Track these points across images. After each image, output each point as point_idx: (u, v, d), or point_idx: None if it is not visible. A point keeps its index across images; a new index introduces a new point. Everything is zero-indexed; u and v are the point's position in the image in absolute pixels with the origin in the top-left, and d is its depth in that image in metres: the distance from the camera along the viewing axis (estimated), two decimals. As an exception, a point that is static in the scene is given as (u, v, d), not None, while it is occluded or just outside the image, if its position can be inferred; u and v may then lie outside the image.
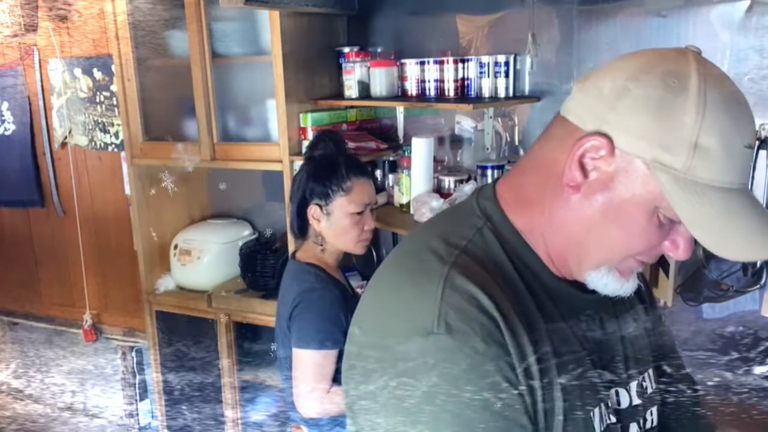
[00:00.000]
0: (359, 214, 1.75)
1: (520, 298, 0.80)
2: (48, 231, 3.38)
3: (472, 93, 2.16)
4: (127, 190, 2.84)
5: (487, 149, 2.24)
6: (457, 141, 2.37)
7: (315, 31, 2.38)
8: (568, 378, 0.79)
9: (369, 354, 0.79)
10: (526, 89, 2.12)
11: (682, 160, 0.72)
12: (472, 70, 2.15)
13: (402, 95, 2.31)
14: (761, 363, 1.64)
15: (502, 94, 2.10)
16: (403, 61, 2.27)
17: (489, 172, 2.12)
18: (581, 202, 0.79)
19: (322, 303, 1.65)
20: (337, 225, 1.74)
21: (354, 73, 2.34)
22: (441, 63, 2.18)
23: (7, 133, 3.30)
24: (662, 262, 1.77)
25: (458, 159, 2.38)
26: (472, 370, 0.72)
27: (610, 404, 0.85)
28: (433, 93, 2.21)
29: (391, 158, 2.43)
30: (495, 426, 0.72)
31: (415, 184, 2.21)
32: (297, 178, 1.82)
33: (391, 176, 2.42)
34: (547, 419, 0.77)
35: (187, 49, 2.45)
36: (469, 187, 2.14)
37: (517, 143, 2.17)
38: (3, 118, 3.29)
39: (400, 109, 2.45)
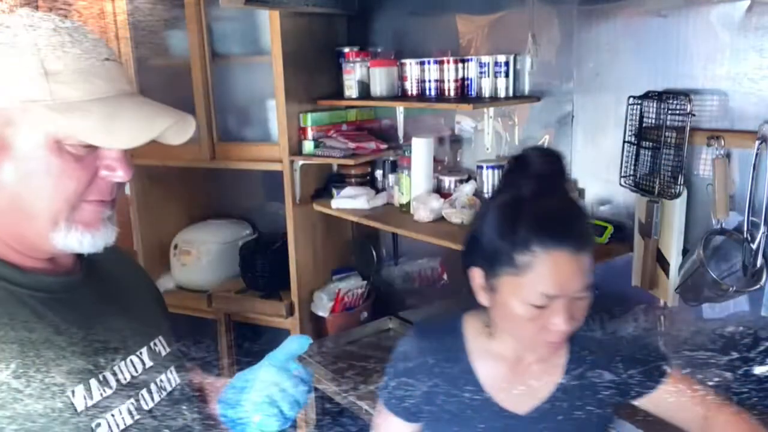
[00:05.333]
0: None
1: None
2: (48, 231, 3.38)
3: (472, 93, 2.16)
4: (127, 190, 2.84)
5: (488, 149, 2.24)
6: (457, 141, 2.37)
7: (315, 31, 2.38)
8: (21, 367, 0.82)
9: None
10: (526, 89, 2.11)
11: (44, 89, 0.78)
12: (472, 70, 2.15)
13: (402, 95, 2.31)
14: (761, 363, 1.63)
15: (502, 94, 2.10)
16: (403, 61, 2.27)
17: (489, 172, 2.11)
18: None
19: None
20: None
21: (354, 73, 2.34)
22: (441, 63, 2.17)
23: (7, 133, 3.29)
24: (662, 262, 1.77)
25: (458, 159, 2.38)
26: None
27: (102, 378, 0.87)
28: (433, 93, 2.21)
29: (391, 158, 2.43)
30: None
31: (415, 184, 2.21)
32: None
33: (391, 176, 2.42)
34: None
35: (187, 49, 2.45)
36: (469, 187, 2.14)
37: (517, 143, 2.17)
38: (3, 118, 3.29)
39: (400, 109, 2.45)
